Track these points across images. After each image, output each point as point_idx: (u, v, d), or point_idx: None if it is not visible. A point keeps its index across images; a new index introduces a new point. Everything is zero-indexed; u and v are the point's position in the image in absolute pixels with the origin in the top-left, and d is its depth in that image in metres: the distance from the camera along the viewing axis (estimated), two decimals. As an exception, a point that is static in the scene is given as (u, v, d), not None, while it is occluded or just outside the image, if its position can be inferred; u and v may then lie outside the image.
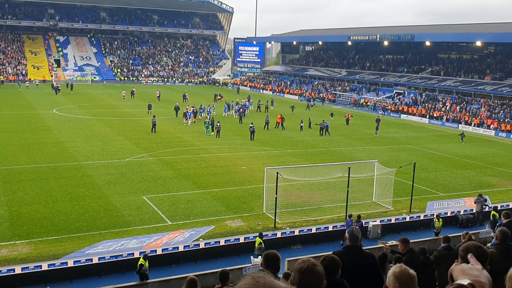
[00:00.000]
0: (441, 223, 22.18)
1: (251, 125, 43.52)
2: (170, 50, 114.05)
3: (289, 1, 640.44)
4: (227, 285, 8.52)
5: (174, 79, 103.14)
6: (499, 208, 23.40)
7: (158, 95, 69.02)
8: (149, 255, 17.27)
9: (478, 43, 67.69)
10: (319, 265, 3.23)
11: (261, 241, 18.81)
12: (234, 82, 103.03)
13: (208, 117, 47.74)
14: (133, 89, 72.64)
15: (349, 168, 23.82)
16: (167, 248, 18.96)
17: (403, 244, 10.74)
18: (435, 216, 22.79)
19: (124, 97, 69.07)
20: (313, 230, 21.57)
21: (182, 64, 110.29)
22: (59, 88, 73.11)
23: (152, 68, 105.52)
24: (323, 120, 47.30)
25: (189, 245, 19.33)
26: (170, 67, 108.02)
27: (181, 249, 19.05)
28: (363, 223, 21.73)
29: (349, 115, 54.47)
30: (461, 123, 56.87)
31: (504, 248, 8.04)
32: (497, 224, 15.85)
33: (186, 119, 49.15)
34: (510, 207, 24.86)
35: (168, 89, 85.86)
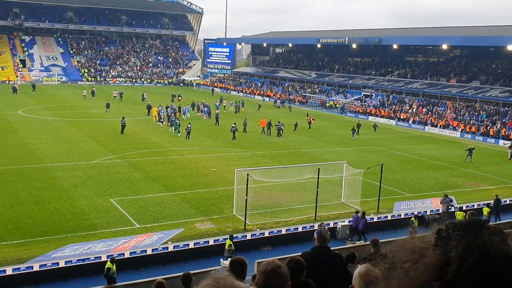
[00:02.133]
0: (417, 222, 22.64)
1: (233, 125, 43.56)
2: (138, 50, 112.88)
3: (261, 4, 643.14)
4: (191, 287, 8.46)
5: (142, 79, 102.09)
6: (464, 208, 23.95)
7: (114, 95, 68.83)
8: (116, 258, 17.01)
9: (444, 46, 69.21)
10: (284, 267, 3.24)
11: (231, 243, 18.75)
12: (204, 83, 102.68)
13: (182, 117, 47.32)
14: (93, 89, 72.21)
15: (319, 169, 24.01)
16: (135, 251, 18.73)
17: (373, 246, 10.87)
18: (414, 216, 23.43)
19: (85, 97, 68.55)
20: (283, 231, 21.64)
21: (151, 64, 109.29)
22: (16, 88, 71.84)
23: (120, 69, 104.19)
24: (278, 122, 47.22)
25: (157, 248, 19.14)
26: (138, 67, 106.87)
27: (149, 252, 18.84)
28: (332, 224, 21.95)
29: (311, 118, 52.80)
30: (427, 124, 57.99)
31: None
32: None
33: (162, 122, 47.53)
34: (475, 207, 25.49)
35: (134, 89, 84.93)
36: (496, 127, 52.46)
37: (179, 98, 68.24)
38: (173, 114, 49.45)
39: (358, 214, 22.12)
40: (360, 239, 21.60)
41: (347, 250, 19.47)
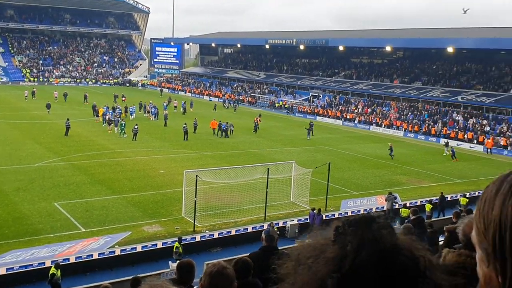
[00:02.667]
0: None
1: (184, 125, 43.44)
2: (83, 50, 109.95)
3: (210, 4, 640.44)
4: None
5: (87, 80, 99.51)
6: (408, 205, 24.70)
7: (56, 96, 66.95)
8: (61, 263, 16.51)
9: (388, 48, 71.26)
10: (229, 268, 3.26)
11: (178, 245, 18.53)
12: (152, 84, 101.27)
13: (129, 118, 46.37)
14: (34, 90, 70.02)
15: (268, 169, 24.15)
16: (81, 256, 18.24)
17: None
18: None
19: (26, 97, 66.44)
20: (233, 232, 21.64)
21: (96, 64, 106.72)
22: None
23: (63, 69, 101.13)
24: (227, 122, 47.27)
25: (104, 252, 18.70)
26: (83, 67, 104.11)
27: (95, 256, 18.39)
28: (281, 223, 22.13)
29: (258, 119, 51.94)
30: (372, 124, 59.49)
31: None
32: (406, 220, 16.66)
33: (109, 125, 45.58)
34: (418, 204, 26.34)
35: (78, 90, 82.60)
36: (437, 126, 54.47)
37: (123, 98, 66.86)
38: (118, 115, 48.48)
39: (314, 211, 22.43)
40: None
41: (296, 249, 19.65)
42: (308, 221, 22.63)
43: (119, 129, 43.30)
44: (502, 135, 49.31)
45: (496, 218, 1.06)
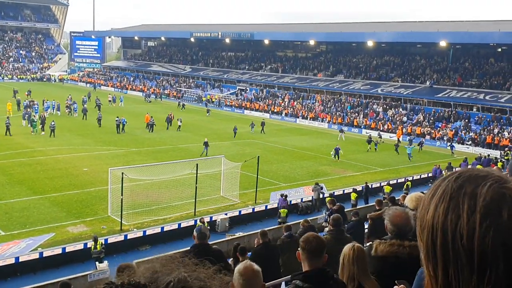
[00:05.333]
0: (285, 213, 23.42)
1: (117, 119, 43.59)
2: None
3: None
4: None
5: (2, 75, 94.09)
6: (335, 194, 25.37)
7: None
8: (-22, 271, 15.55)
9: (312, 42, 72.81)
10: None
11: (96, 245, 17.64)
12: (72, 78, 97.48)
13: (40, 115, 44.24)
14: None
15: (197, 164, 23.99)
16: (1, 261, 17.27)
17: (261, 237, 11.11)
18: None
19: None
20: (163, 229, 21.30)
21: (11, 59, 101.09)
22: None
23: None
24: (151, 117, 46.72)
25: (26, 256, 17.82)
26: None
27: (17, 260, 17.48)
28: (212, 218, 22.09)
29: (172, 115, 50.04)
30: (298, 117, 60.67)
31: (337, 234, 8.77)
32: (329, 211, 17.05)
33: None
34: (345, 192, 27.19)
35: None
36: (359, 118, 56.46)
37: (26, 93, 63.49)
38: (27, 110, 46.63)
39: (283, 197, 23.68)
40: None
41: (227, 242, 19.77)
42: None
43: (31, 125, 41.42)
44: (418, 124, 51.94)
45: (429, 223, 1.08)
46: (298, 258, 3.82)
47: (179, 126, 47.60)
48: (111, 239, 19.63)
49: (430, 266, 1.09)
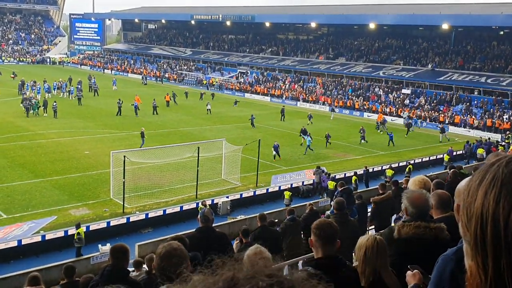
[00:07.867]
0: (288, 195, 23.49)
1: (118, 101, 43.74)
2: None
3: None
4: (73, 280, 8.02)
5: (2, 58, 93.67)
6: (337, 178, 25.39)
7: None
8: (-19, 254, 15.64)
9: (313, 25, 72.26)
10: (180, 248, 3.29)
11: (78, 231, 17.37)
12: (72, 61, 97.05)
13: (47, 96, 44.27)
14: None
15: (198, 147, 23.97)
16: (4, 244, 17.37)
17: (259, 220, 11.18)
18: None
19: None
20: (165, 212, 21.38)
21: (11, 42, 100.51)
22: None
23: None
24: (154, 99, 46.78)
25: (28, 238, 17.91)
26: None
27: (19, 243, 17.58)
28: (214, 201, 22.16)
29: (169, 96, 51.11)
30: (299, 100, 60.46)
31: (341, 217, 8.79)
32: (335, 193, 17.10)
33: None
34: (347, 176, 27.21)
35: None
36: (361, 101, 56.25)
37: (12, 76, 63.26)
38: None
39: (326, 174, 25.29)
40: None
41: (228, 225, 19.84)
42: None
43: (32, 108, 41.33)
44: (420, 107, 51.77)
45: (478, 211, 1.01)
46: (310, 245, 3.78)
47: (208, 109, 48.34)
48: (114, 222, 19.72)
49: (479, 257, 1.02)
